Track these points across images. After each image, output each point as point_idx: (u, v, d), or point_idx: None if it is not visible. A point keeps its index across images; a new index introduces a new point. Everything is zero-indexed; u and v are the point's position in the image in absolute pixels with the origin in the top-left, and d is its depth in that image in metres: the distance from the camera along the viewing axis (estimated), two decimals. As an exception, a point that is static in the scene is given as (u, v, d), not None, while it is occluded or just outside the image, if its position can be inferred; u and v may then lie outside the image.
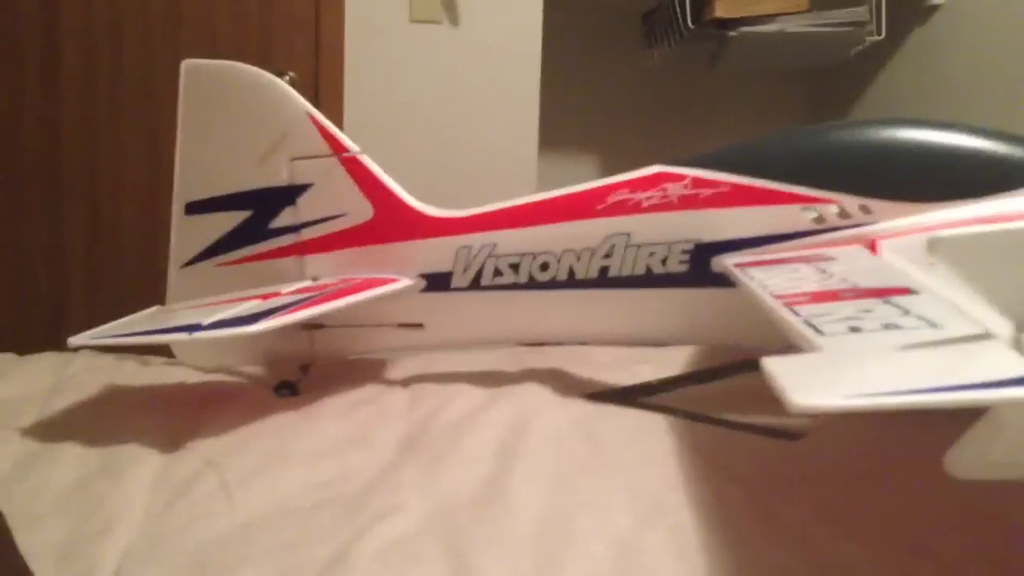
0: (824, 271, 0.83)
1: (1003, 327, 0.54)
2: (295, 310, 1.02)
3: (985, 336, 0.53)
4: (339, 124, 1.16)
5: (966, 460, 0.53)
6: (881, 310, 0.63)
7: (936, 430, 0.83)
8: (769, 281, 0.82)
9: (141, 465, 0.91)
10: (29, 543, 0.72)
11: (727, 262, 0.99)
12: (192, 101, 1.15)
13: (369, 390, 1.15)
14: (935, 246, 0.59)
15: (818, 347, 0.57)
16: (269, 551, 0.73)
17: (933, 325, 0.56)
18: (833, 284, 0.77)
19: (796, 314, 0.65)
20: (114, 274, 1.84)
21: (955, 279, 0.59)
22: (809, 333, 0.59)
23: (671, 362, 1.22)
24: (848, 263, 0.87)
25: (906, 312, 0.61)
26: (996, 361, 0.51)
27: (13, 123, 1.82)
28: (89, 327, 1.07)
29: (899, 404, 0.45)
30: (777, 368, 0.49)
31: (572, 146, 2.18)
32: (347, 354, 1.24)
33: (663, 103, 2.21)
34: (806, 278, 0.82)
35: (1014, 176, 0.94)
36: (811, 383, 0.48)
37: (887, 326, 0.58)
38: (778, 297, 0.73)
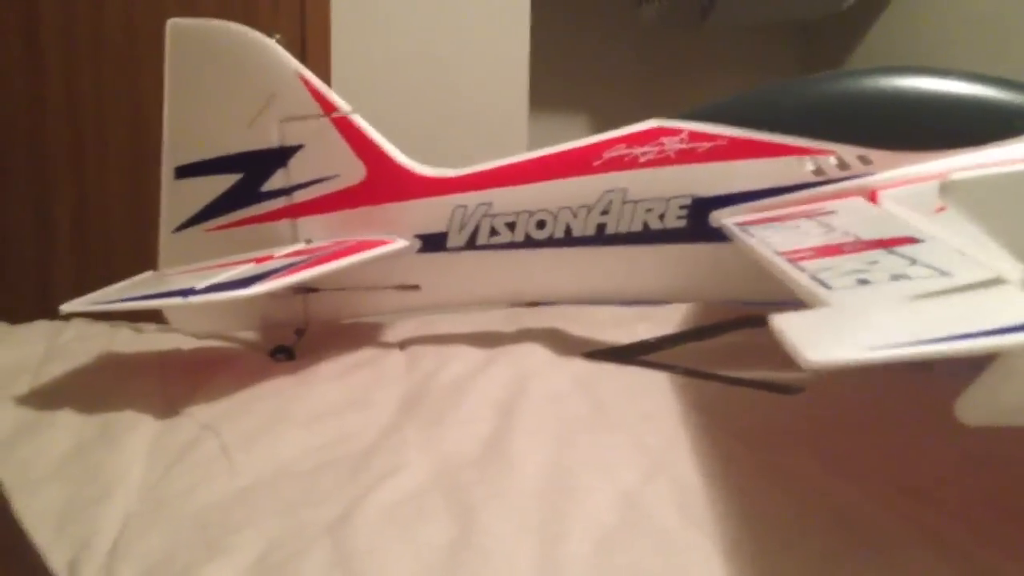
0: (826, 225, 0.82)
1: (1016, 271, 0.54)
2: (289, 273, 1.01)
3: (996, 281, 0.53)
4: (327, 84, 1.14)
5: (977, 406, 0.52)
6: (887, 261, 0.62)
7: (933, 380, 0.84)
8: (771, 239, 0.81)
9: (138, 431, 0.89)
10: (27, 509, 0.72)
11: (726, 220, 0.98)
12: (178, 62, 1.13)
13: (366, 353, 1.14)
14: (948, 189, 0.58)
15: (827, 302, 0.56)
16: (272, 513, 0.72)
17: (943, 273, 0.56)
18: (836, 238, 0.76)
19: (801, 270, 0.64)
20: (102, 241, 1.83)
21: (966, 223, 0.58)
22: (817, 288, 0.58)
23: (670, 319, 1.22)
24: (849, 215, 0.86)
25: (913, 261, 0.60)
26: (1008, 306, 0.50)
27: (-2, 94, 1.80)
28: (78, 295, 1.05)
29: (912, 355, 0.44)
30: (786, 324, 0.48)
31: (562, 105, 2.16)
32: (342, 317, 1.22)
33: (654, 60, 2.19)
34: (808, 233, 0.81)
35: (1014, 123, 0.93)
36: (823, 338, 0.47)
37: (895, 277, 0.57)
38: (782, 254, 0.72)
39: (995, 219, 0.56)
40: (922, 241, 0.66)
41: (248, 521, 0.71)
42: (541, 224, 1.09)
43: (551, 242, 1.09)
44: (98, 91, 1.82)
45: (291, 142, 1.13)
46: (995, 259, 0.56)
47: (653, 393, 0.97)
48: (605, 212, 1.07)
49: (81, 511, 0.74)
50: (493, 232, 1.10)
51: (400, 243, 1.12)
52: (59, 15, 1.79)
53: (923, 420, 0.85)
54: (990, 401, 0.52)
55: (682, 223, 1.05)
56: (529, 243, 1.10)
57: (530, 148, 1.16)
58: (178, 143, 1.14)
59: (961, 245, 0.61)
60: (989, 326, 0.46)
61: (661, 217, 1.06)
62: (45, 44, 1.80)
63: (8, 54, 1.79)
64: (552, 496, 0.73)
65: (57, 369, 1.09)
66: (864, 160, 0.98)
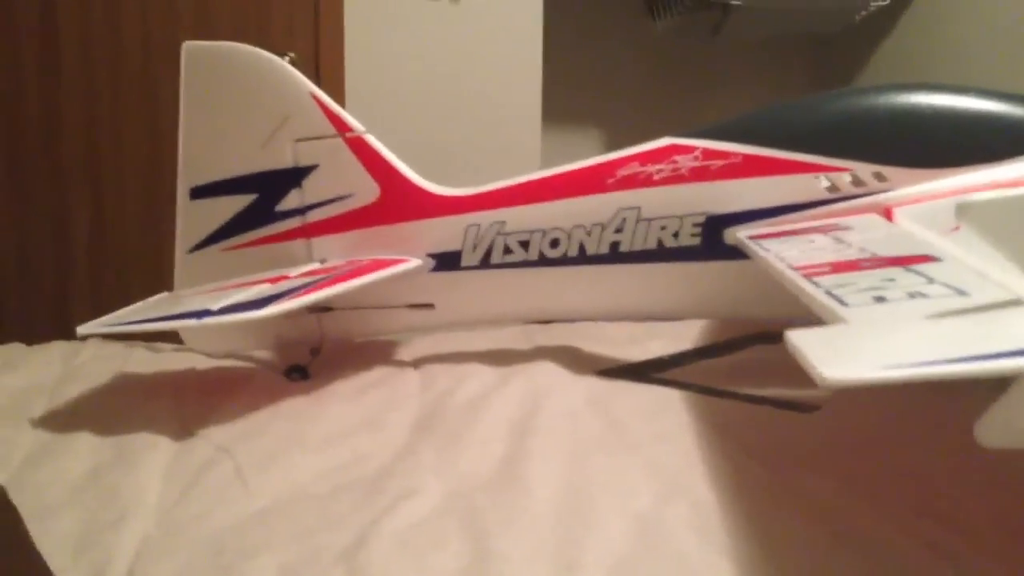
0: (841, 241, 0.82)
1: (1033, 292, 0.53)
2: (303, 293, 1.01)
3: (1015, 302, 0.52)
4: (341, 103, 1.15)
5: (997, 429, 0.51)
6: (904, 279, 0.62)
7: (951, 399, 0.83)
8: (786, 252, 0.80)
9: (154, 453, 0.90)
10: (43, 535, 0.71)
11: (740, 235, 0.98)
12: (193, 84, 1.14)
13: (380, 372, 1.14)
14: (964, 210, 0.58)
15: (843, 319, 0.55)
16: (288, 537, 0.72)
17: (960, 292, 0.55)
18: (852, 254, 0.76)
19: (817, 285, 0.64)
20: (118, 261, 1.83)
21: (981, 244, 0.57)
22: (833, 304, 0.58)
23: (684, 337, 1.21)
24: (865, 232, 0.85)
25: (930, 280, 0.59)
26: (1027, 328, 0.50)
27: (14, 111, 1.80)
28: (94, 315, 1.06)
29: (931, 375, 0.44)
30: (803, 341, 0.47)
31: (576, 120, 2.16)
32: (357, 336, 1.23)
33: (666, 74, 2.19)
34: (823, 248, 0.81)
35: (1031, 139, 0.93)
36: (840, 356, 0.47)
37: (912, 295, 0.57)
38: (797, 268, 0.71)
39: (1012, 240, 0.56)
40: (939, 260, 0.66)
41: (263, 546, 0.71)
42: (555, 243, 1.09)
43: (565, 260, 1.09)
44: (115, 111, 1.83)
45: (305, 162, 1.13)
46: (1013, 280, 0.56)
47: (668, 411, 0.96)
48: (619, 230, 1.07)
49: (97, 536, 0.74)
50: (507, 251, 1.10)
51: (414, 262, 1.12)
52: (76, 35, 1.81)
53: (940, 439, 0.84)
54: (1010, 424, 0.51)
55: (696, 241, 1.05)
56: (543, 262, 1.10)
57: (543, 163, 1.16)
58: (193, 164, 1.15)
59: (978, 265, 0.61)
60: (1008, 347, 0.45)
61: (675, 235, 1.05)
62: (63, 64, 1.81)
63: (26, 74, 1.80)
64: (567, 520, 0.72)
65: (73, 390, 1.09)
66: (879, 177, 0.97)
